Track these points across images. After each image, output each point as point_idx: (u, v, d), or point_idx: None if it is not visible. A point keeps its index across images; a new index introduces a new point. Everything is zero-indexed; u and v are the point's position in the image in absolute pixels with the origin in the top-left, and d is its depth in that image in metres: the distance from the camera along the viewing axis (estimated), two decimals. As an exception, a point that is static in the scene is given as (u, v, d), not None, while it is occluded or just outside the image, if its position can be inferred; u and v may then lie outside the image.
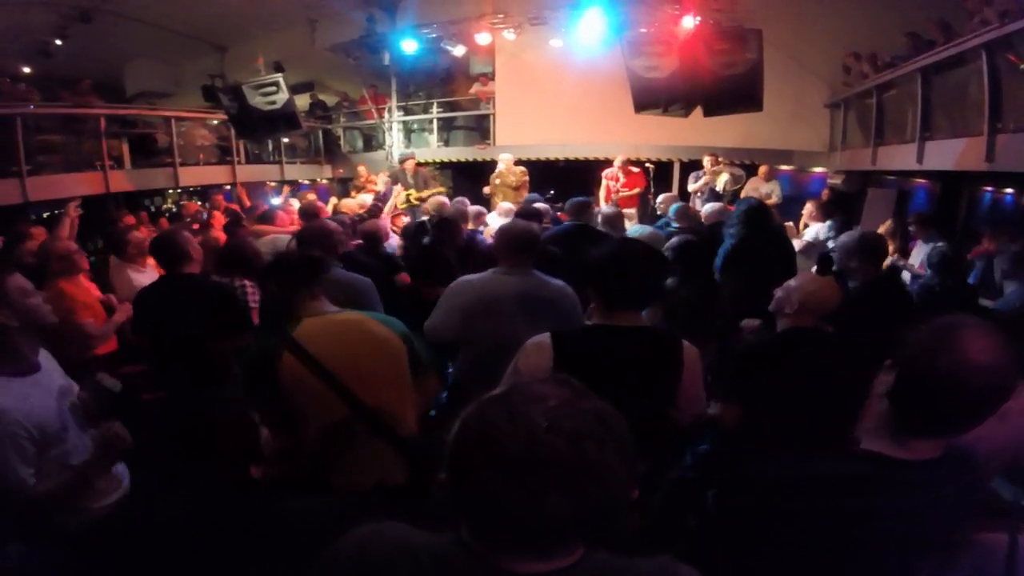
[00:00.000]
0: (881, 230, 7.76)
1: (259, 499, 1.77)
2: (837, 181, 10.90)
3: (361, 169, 11.61)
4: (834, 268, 5.27)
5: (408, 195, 9.83)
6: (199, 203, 12.14)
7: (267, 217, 7.14)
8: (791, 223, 8.10)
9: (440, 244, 5.35)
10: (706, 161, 10.23)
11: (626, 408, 2.25)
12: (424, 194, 9.74)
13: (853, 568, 1.51)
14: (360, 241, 5.38)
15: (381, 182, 10.65)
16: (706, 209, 7.28)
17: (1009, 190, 9.92)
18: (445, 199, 7.52)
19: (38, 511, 2.23)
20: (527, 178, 10.28)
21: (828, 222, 7.60)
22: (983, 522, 1.56)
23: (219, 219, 8.16)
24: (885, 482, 1.47)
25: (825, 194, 9.97)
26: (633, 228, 4.94)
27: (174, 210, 12.42)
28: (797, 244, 7.08)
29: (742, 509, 1.63)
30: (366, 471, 2.46)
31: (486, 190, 10.24)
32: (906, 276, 6.19)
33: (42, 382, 2.36)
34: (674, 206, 6.23)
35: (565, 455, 0.94)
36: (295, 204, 9.14)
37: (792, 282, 3.01)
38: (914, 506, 1.46)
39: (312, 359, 2.41)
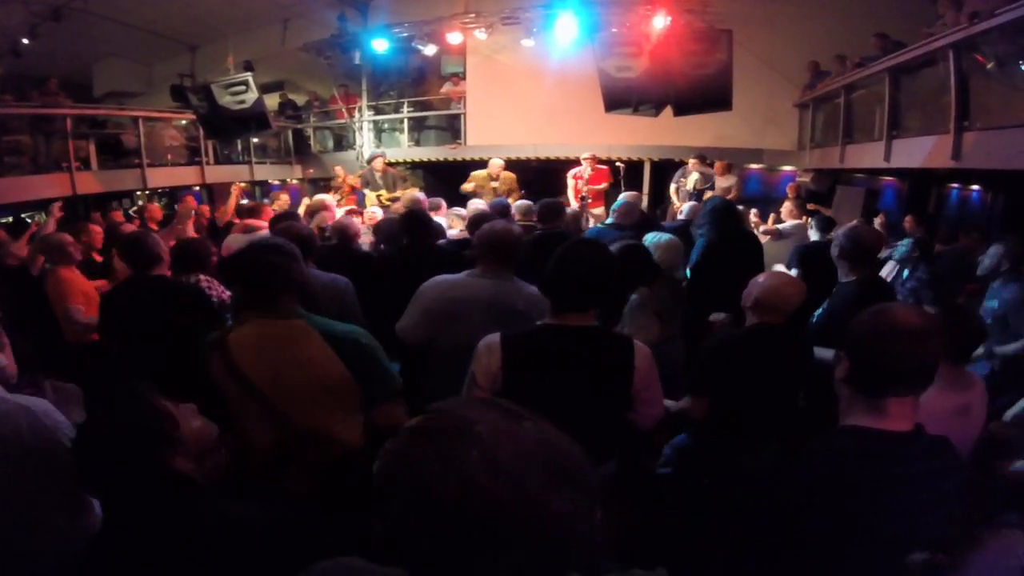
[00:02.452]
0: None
1: (188, 502, 1.71)
2: (806, 179, 11.02)
3: (338, 170, 11.46)
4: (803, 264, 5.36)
5: (379, 196, 9.76)
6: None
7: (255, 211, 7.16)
8: (755, 209, 8.14)
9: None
10: (691, 163, 10.29)
11: (581, 409, 2.19)
12: (395, 194, 9.67)
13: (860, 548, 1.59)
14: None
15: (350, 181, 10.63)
16: (685, 208, 7.33)
17: (975, 187, 10.10)
18: (420, 195, 7.41)
19: None
20: (516, 185, 9.91)
21: (811, 219, 7.64)
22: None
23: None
24: (878, 452, 1.61)
25: (791, 188, 10.05)
26: (649, 236, 4.80)
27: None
28: (762, 236, 7.11)
29: (746, 502, 1.75)
30: (298, 480, 2.34)
31: (465, 187, 9.78)
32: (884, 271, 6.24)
33: None
34: (617, 202, 6.14)
35: (507, 501, 0.81)
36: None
37: (757, 278, 3.07)
38: (916, 476, 1.59)
39: (234, 364, 2.32)
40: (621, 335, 2.56)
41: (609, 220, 6.15)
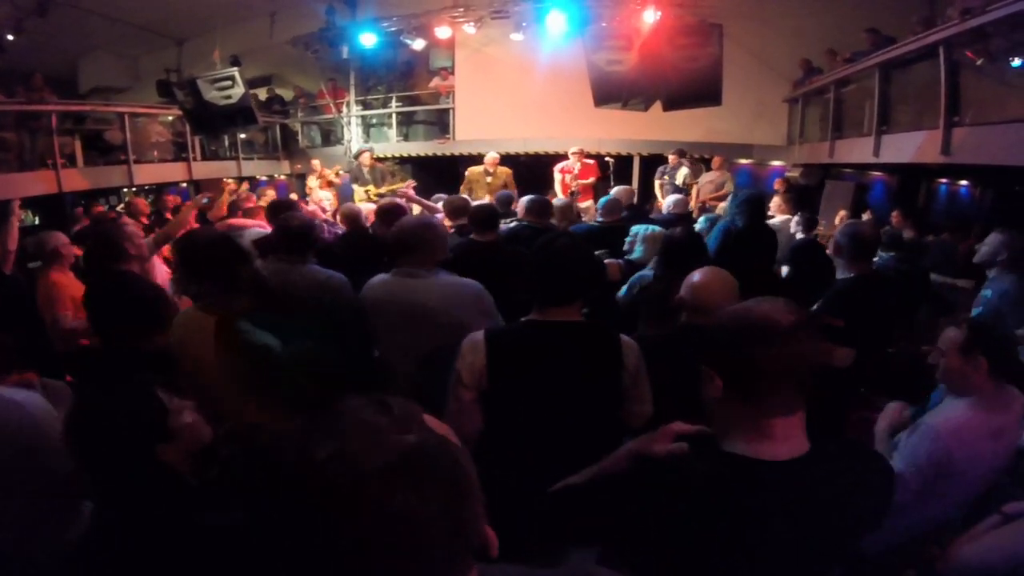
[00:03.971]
0: (837, 220, 7.90)
1: (179, 500, 1.68)
2: (795, 174, 11.03)
3: (315, 163, 11.41)
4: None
5: (367, 191, 9.71)
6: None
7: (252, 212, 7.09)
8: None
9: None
10: (670, 158, 10.30)
11: (568, 405, 2.18)
12: (383, 189, 9.62)
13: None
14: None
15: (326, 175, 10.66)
16: (668, 201, 7.29)
17: (964, 183, 10.14)
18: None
19: None
20: (512, 180, 9.83)
21: (796, 217, 7.64)
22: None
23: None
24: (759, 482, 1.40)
25: (779, 183, 10.05)
26: (637, 228, 4.76)
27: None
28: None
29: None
30: None
31: (462, 188, 9.71)
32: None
33: None
34: (602, 199, 6.11)
35: (343, 494, 0.78)
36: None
37: (692, 275, 2.88)
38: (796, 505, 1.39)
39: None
40: (609, 329, 2.50)
41: (599, 217, 6.09)
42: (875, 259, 5.82)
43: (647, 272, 4.11)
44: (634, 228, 4.84)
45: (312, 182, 10.68)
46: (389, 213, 5.12)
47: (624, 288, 4.22)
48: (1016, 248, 4.31)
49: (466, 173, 9.97)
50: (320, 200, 8.98)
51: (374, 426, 0.84)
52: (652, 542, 1.46)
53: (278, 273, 3.40)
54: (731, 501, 1.38)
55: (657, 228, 4.66)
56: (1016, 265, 4.31)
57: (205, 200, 7.58)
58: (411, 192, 7.42)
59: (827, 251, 5.13)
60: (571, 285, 2.38)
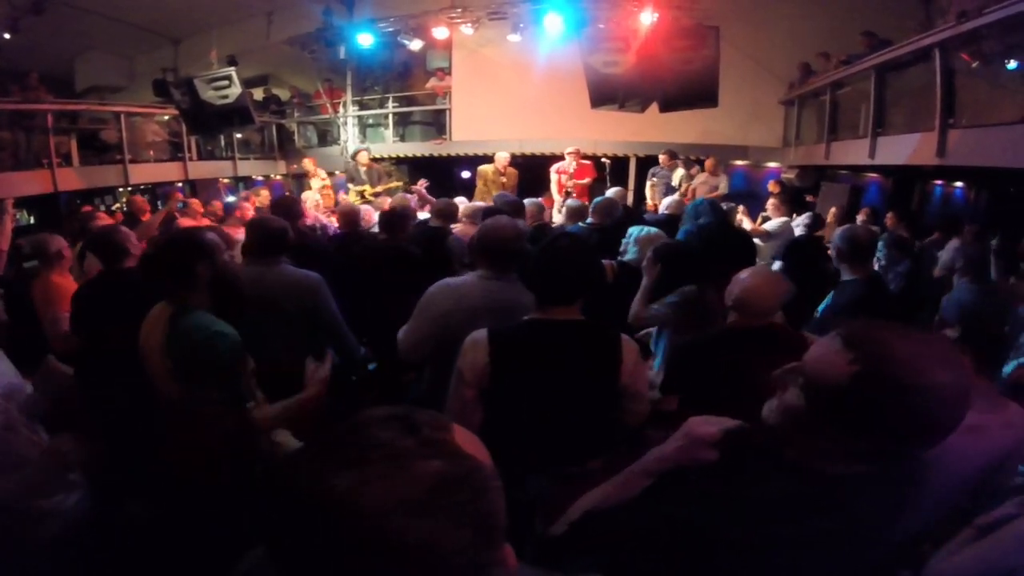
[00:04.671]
0: (829, 219, 7.92)
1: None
2: (791, 176, 11.06)
3: (306, 162, 11.28)
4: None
5: (362, 191, 9.70)
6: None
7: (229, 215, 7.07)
8: (743, 206, 8.13)
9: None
10: (661, 159, 10.31)
11: (567, 403, 2.20)
12: (379, 188, 9.62)
13: None
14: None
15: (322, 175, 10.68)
16: (665, 203, 7.29)
17: (959, 184, 10.17)
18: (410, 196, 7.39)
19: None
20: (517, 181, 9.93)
21: (802, 217, 7.64)
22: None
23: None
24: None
25: (774, 184, 10.06)
26: (633, 229, 4.76)
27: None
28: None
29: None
30: None
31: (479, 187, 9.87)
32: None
33: None
34: (595, 200, 6.09)
35: (363, 530, 0.74)
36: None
37: (740, 274, 2.87)
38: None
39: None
40: (609, 328, 2.52)
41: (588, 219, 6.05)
42: (882, 262, 5.88)
43: None
44: (631, 229, 4.84)
45: (316, 183, 10.39)
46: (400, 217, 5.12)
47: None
48: (969, 255, 4.32)
49: (478, 170, 10.01)
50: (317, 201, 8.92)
51: (398, 452, 0.78)
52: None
53: (253, 274, 3.42)
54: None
55: (653, 230, 4.65)
56: (973, 272, 4.31)
57: (180, 204, 7.57)
58: (423, 191, 7.45)
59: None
60: (573, 284, 2.41)
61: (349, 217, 5.78)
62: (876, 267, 6.10)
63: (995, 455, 2.10)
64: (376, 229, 5.75)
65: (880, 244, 5.94)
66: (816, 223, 6.36)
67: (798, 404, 1.35)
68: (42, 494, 2.22)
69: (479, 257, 3.00)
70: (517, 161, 12.41)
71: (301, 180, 12.59)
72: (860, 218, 6.95)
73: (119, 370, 2.81)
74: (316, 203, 8.69)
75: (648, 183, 10.45)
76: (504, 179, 9.64)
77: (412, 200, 7.49)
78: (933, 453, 1.32)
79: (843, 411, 1.26)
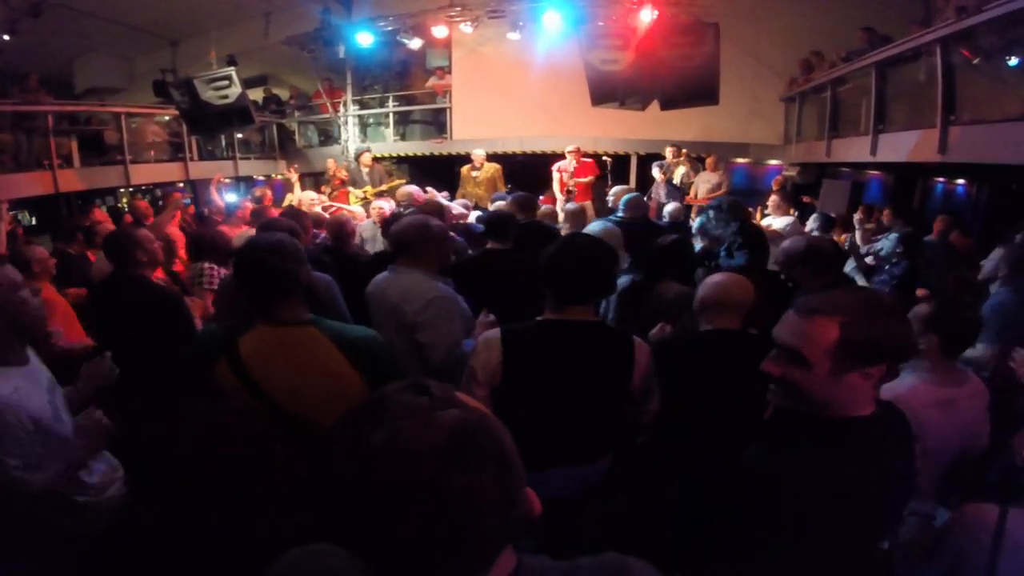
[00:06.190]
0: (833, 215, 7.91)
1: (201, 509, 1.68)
2: (792, 173, 11.05)
3: (330, 163, 11.35)
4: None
5: (364, 192, 9.68)
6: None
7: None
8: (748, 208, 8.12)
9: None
10: (668, 153, 10.31)
11: (579, 404, 2.22)
12: (383, 188, 9.60)
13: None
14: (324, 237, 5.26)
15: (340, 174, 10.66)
16: (669, 208, 7.30)
17: (960, 181, 10.15)
18: (414, 188, 7.21)
19: (38, 511, 2.11)
20: (500, 175, 10.00)
21: (813, 215, 7.58)
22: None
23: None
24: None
25: (776, 182, 10.04)
26: (593, 225, 4.76)
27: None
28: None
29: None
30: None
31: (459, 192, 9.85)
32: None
33: (32, 374, 2.24)
34: (625, 196, 6.09)
35: (403, 477, 0.81)
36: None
37: (710, 278, 2.89)
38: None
39: (246, 373, 2.21)
40: (620, 329, 2.55)
41: (619, 213, 6.05)
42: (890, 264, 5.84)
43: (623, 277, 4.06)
44: (591, 226, 4.81)
45: (353, 199, 9.88)
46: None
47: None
48: (1013, 262, 4.28)
49: (466, 177, 10.04)
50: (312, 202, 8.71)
51: (418, 408, 0.87)
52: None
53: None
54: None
55: (610, 225, 4.64)
56: (1014, 280, 4.27)
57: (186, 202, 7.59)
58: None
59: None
60: (588, 285, 2.42)
61: (338, 230, 5.44)
62: (873, 262, 6.10)
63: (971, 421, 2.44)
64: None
65: (889, 242, 5.91)
66: (828, 224, 6.32)
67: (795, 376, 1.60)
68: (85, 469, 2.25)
69: None
70: (518, 159, 12.47)
71: (304, 180, 12.57)
72: (857, 216, 6.90)
73: (139, 376, 2.82)
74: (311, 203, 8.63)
75: (656, 170, 10.27)
76: (477, 174, 9.73)
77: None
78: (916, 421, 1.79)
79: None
